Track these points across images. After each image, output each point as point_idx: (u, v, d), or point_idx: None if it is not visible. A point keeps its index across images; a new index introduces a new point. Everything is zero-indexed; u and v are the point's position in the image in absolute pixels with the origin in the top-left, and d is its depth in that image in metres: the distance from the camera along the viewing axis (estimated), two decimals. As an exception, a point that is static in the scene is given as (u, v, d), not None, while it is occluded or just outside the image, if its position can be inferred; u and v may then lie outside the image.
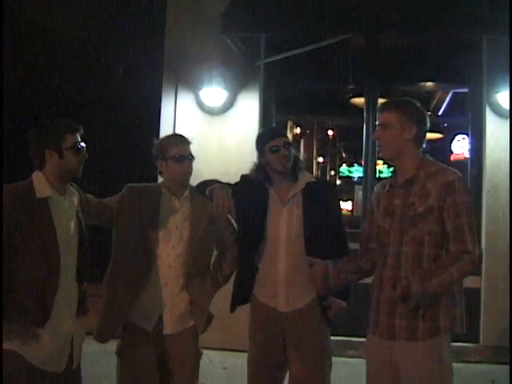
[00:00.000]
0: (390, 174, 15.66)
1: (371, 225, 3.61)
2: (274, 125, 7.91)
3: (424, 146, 3.46)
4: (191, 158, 3.91)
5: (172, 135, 4.18)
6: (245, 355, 4.17)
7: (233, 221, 4.11)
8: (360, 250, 3.73)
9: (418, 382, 3.22)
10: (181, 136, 4.04)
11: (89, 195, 3.78)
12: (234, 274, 4.13)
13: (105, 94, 12.61)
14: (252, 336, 4.14)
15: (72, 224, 3.45)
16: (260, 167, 4.11)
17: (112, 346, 3.91)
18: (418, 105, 3.48)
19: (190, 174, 3.94)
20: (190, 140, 3.98)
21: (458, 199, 3.17)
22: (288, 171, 4.03)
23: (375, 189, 3.70)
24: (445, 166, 3.39)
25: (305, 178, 4.10)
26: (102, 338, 3.84)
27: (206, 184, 4.08)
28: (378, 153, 3.52)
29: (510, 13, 5.90)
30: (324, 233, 3.98)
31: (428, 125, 3.46)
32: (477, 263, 3.18)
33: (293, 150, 4.06)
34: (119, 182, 4.10)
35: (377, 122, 3.50)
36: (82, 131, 3.51)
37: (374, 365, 3.47)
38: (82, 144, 3.48)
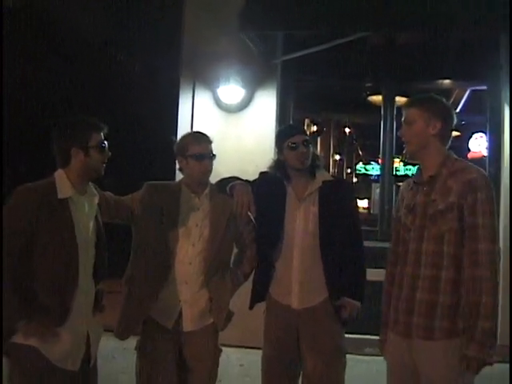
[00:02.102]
0: (406, 172, 15.61)
1: (398, 224, 3.54)
2: (291, 122, 7.90)
3: (450, 143, 3.43)
4: (212, 156, 3.90)
5: (193, 133, 4.18)
6: (261, 352, 4.18)
7: (252, 218, 4.11)
8: (391, 254, 3.61)
9: (436, 382, 3.20)
10: (202, 134, 4.03)
11: (107, 193, 3.80)
12: (253, 272, 4.14)
13: (122, 92, 12.66)
14: (266, 333, 4.15)
15: (91, 224, 3.47)
16: (279, 164, 4.12)
17: (130, 342, 3.93)
18: (444, 101, 3.45)
19: (210, 172, 3.93)
20: (211, 138, 3.97)
21: (477, 197, 3.12)
22: (306, 169, 4.03)
23: (401, 187, 3.66)
24: (469, 163, 3.35)
25: (322, 177, 4.09)
26: (122, 335, 3.85)
27: (226, 181, 4.08)
28: (403, 150, 3.45)
29: (510, 12, 5.87)
30: (339, 231, 3.98)
31: (454, 121, 3.43)
32: (497, 259, 3.13)
33: (311, 148, 4.06)
34: (137, 180, 4.11)
35: (402, 119, 3.46)
36: (106, 130, 3.53)
37: (393, 362, 3.45)
38: (106, 143, 3.50)
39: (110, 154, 3.52)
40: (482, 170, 3.29)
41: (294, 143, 4.00)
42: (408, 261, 3.34)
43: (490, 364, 3.12)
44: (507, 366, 4.85)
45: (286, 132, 4.20)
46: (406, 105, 3.50)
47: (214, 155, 3.91)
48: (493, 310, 3.08)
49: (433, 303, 3.21)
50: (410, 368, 3.30)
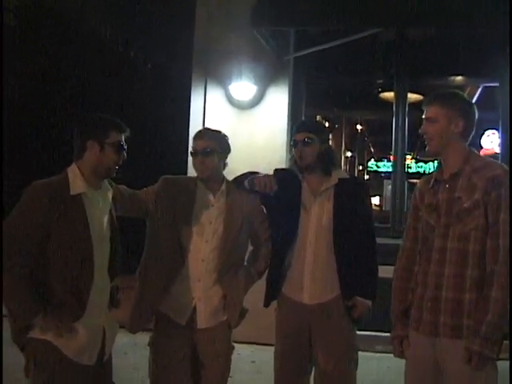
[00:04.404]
0: (417, 170, 15.52)
1: (416, 221, 3.50)
2: (303, 119, 7.90)
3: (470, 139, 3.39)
4: (208, 152, 3.86)
5: (199, 129, 4.19)
6: (273, 349, 4.18)
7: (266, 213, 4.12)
8: (405, 251, 3.56)
9: (462, 380, 3.14)
10: (203, 130, 4.08)
11: (122, 186, 3.78)
12: (268, 269, 4.14)
13: (135, 89, 12.69)
14: (279, 330, 4.16)
15: (105, 219, 3.48)
16: (294, 159, 4.15)
17: (141, 338, 3.94)
18: (465, 97, 3.43)
19: (204, 169, 3.89)
20: (212, 134, 3.99)
21: (501, 193, 3.09)
22: (317, 165, 4.05)
23: (417, 185, 3.60)
24: (491, 159, 3.33)
25: (338, 174, 4.11)
26: (133, 328, 3.86)
27: (243, 177, 4.09)
28: (414, 148, 3.43)
29: (510, 11, 5.84)
30: (353, 228, 3.98)
31: (476, 117, 3.39)
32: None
33: (316, 145, 4.04)
34: (149, 176, 4.11)
35: (423, 116, 3.41)
36: (128, 133, 3.53)
37: (415, 360, 3.40)
38: (125, 145, 3.50)
39: (125, 157, 3.51)
40: (504, 166, 3.26)
41: (296, 141, 4.05)
42: (432, 259, 3.29)
43: (495, 359, 3.09)
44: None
45: (294, 128, 4.25)
46: (428, 101, 3.42)
47: (210, 151, 3.87)
48: (502, 306, 3.05)
49: (459, 301, 3.16)
50: (431, 366, 3.26)
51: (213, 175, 3.94)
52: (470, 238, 3.17)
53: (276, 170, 4.32)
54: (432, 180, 3.44)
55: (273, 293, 4.14)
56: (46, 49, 11.76)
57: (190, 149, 3.96)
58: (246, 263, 4.10)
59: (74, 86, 12.47)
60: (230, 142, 4.02)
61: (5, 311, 3.24)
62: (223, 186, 3.96)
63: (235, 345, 4.02)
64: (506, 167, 3.25)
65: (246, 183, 4.00)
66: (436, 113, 3.34)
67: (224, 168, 4.02)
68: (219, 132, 4.03)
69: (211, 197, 3.92)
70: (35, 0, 10.49)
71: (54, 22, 11.47)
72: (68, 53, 12.04)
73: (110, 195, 3.55)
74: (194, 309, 3.83)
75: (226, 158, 4.00)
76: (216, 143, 3.92)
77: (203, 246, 3.84)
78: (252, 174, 4.08)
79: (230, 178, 4.10)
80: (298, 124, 4.54)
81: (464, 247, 3.18)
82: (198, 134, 3.99)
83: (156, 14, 11.23)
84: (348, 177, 4.23)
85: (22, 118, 11.50)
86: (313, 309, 3.99)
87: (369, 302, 4.03)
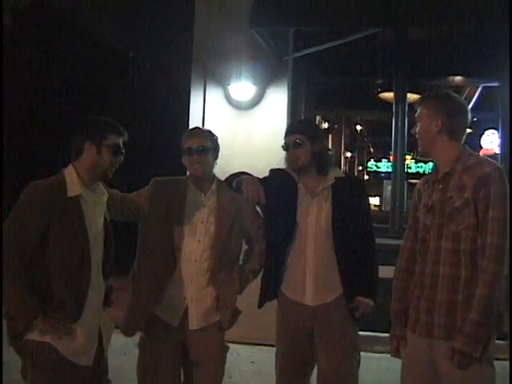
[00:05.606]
0: (417, 170, 15.54)
1: (416, 222, 3.49)
2: (302, 118, 7.88)
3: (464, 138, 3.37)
4: (202, 150, 3.87)
5: (190, 128, 4.19)
6: (272, 349, 4.17)
7: (261, 214, 4.11)
8: (405, 251, 3.55)
9: (455, 381, 3.13)
10: (196, 129, 4.11)
11: (114, 190, 3.80)
12: (263, 269, 4.13)
13: (134, 89, 12.68)
14: (280, 331, 4.15)
15: (100, 221, 3.50)
16: None
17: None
18: (450, 96, 3.42)
19: (200, 167, 3.89)
20: (206, 133, 4.01)
21: (490, 191, 3.08)
22: (301, 168, 4.04)
23: (417, 185, 3.60)
24: (484, 157, 3.32)
25: (335, 173, 4.09)
26: (128, 330, 3.86)
27: (233, 177, 4.09)
28: (414, 148, 3.44)
29: (510, 10, 5.84)
30: (351, 227, 3.97)
31: (466, 116, 3.36)
32: (505, 254, 3.05)
33: (310, 147, 4.01)
34: (148, 177, 4.12)
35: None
36: (126, 138, 3.56)
37: (411, 360, 3.39)
38: (122, 148, 3.52)
39: (122, 159, 3.53)
40: (497, 163, 3.24)
41: (286, 144, 4.07)
42: (428, 260, 3.29)
43: (478, 358, 3.05)
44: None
45: (285, 131, 4.21)
46: (417, 103, 3.48)
47: (204, 149, 3.89)
48: (486, 304, 3.03)
49: (453, 303, 3.15)
50: (428, 367, 3.25)
51: (206, 174, 3.95)
52: (461, 238, 3.16)
53: (272, 170, 4.31)
54: (429, 180, 3.46)
55: (268, 294, 4.12)
56: (44, 49, 11.76)
57: (183, 147, 3.94)
58: (240, 263, 4.09)
59: (72, 86, 12.47)
60: (219, 141, 4.04)
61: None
62: (213, 186, 3.97)
63: (235, 345, 4.01)
64: (498, 165, 3.23)
65: (234, 184, 4.00)
66: (419, 113, 3.40)
67: (213, 167, 4.03)
68: (210, 131, 4.07)
69: (202, 196, 3.92)
70: (34, 1, 10.48)
71: (52, 23, 11.46)
72: (66, 53, 12.04)
73: (104, 198, 3.57)
74: (186, 309, 3.82)
75: (217, 157, 4.02)
76: (210, 141, 3.95)
77: (195, 246, 3.84)
78: (243, 174, 4.08)
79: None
80: (288, 126, 4.53)
81: (457, 247, 3.17)
82: (193, 133, 4.01)
83: (155, 14, 11.22)
84: (344, 176, 4.21)
85: (21, 118, 11.49)
86: (315, 310, 3.98)
87: (370, 302, 4.02)
